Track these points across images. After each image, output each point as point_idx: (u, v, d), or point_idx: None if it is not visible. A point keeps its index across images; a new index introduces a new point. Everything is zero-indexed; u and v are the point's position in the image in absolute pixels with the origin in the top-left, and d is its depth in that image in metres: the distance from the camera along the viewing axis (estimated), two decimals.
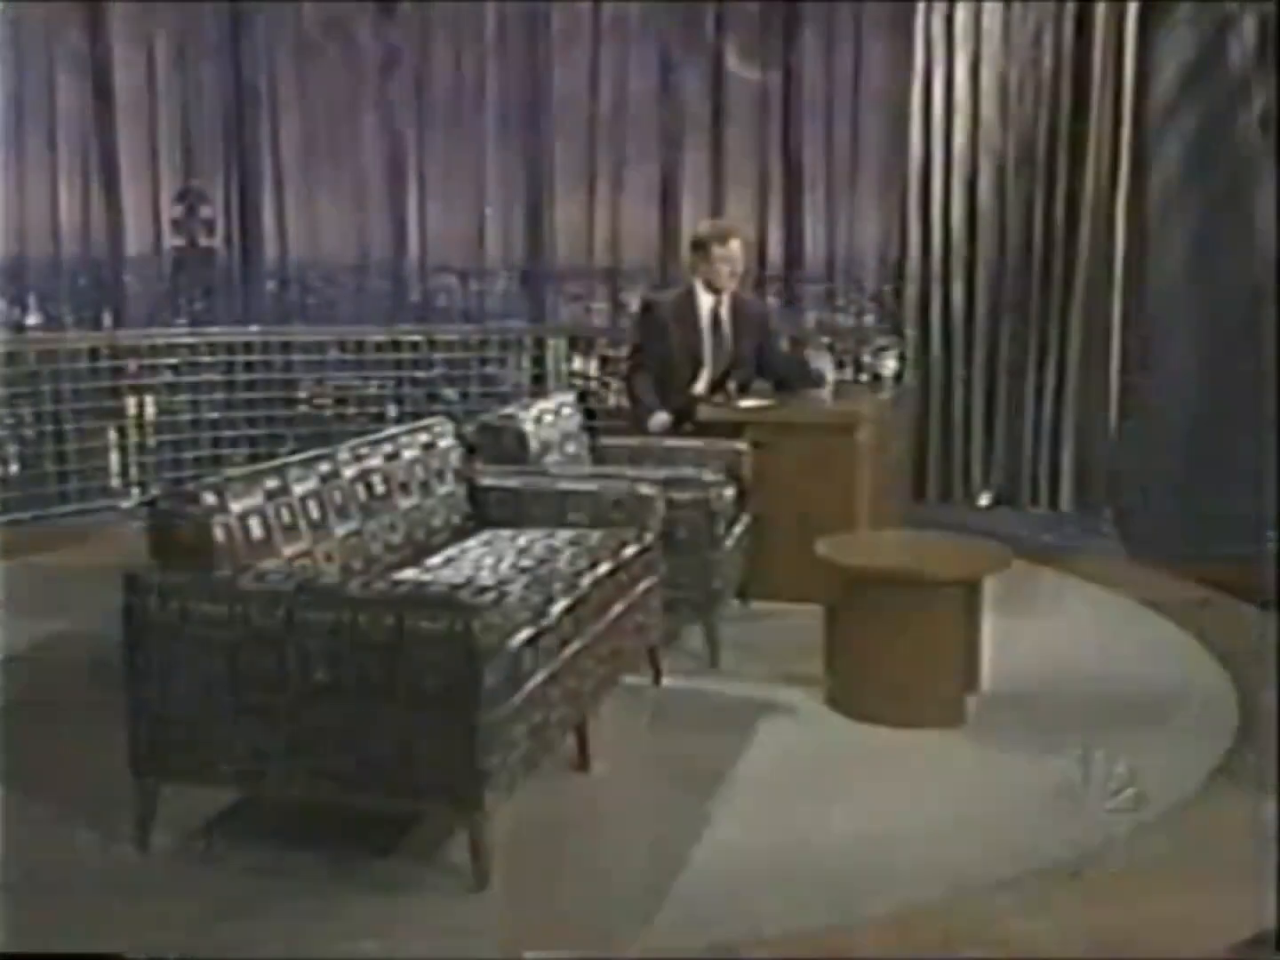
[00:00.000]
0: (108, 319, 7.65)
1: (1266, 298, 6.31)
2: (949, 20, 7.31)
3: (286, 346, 7.76)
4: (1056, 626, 5.32)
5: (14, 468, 6.98)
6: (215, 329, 7.69)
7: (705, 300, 5.76)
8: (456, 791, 2.99)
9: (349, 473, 3.78)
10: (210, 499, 3.18)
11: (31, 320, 7.43)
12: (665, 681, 4.46)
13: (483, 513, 4.37)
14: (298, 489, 3.50)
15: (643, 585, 4.11)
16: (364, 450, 3.95)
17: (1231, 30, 6.37)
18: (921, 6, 7.30)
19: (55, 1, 7.35)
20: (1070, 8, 7.08)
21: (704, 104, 8.08)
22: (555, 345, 8.11)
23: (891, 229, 7.83)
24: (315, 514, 3.54)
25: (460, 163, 8.21)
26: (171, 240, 7.84)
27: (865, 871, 3.21)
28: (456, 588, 3.12)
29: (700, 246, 5.84)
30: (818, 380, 5.85)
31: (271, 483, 3.43)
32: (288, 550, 3.38)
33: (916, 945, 2.89)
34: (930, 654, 4.17)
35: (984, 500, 7.65)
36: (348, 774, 3.05)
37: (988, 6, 7.22)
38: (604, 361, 8.21)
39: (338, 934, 2.87)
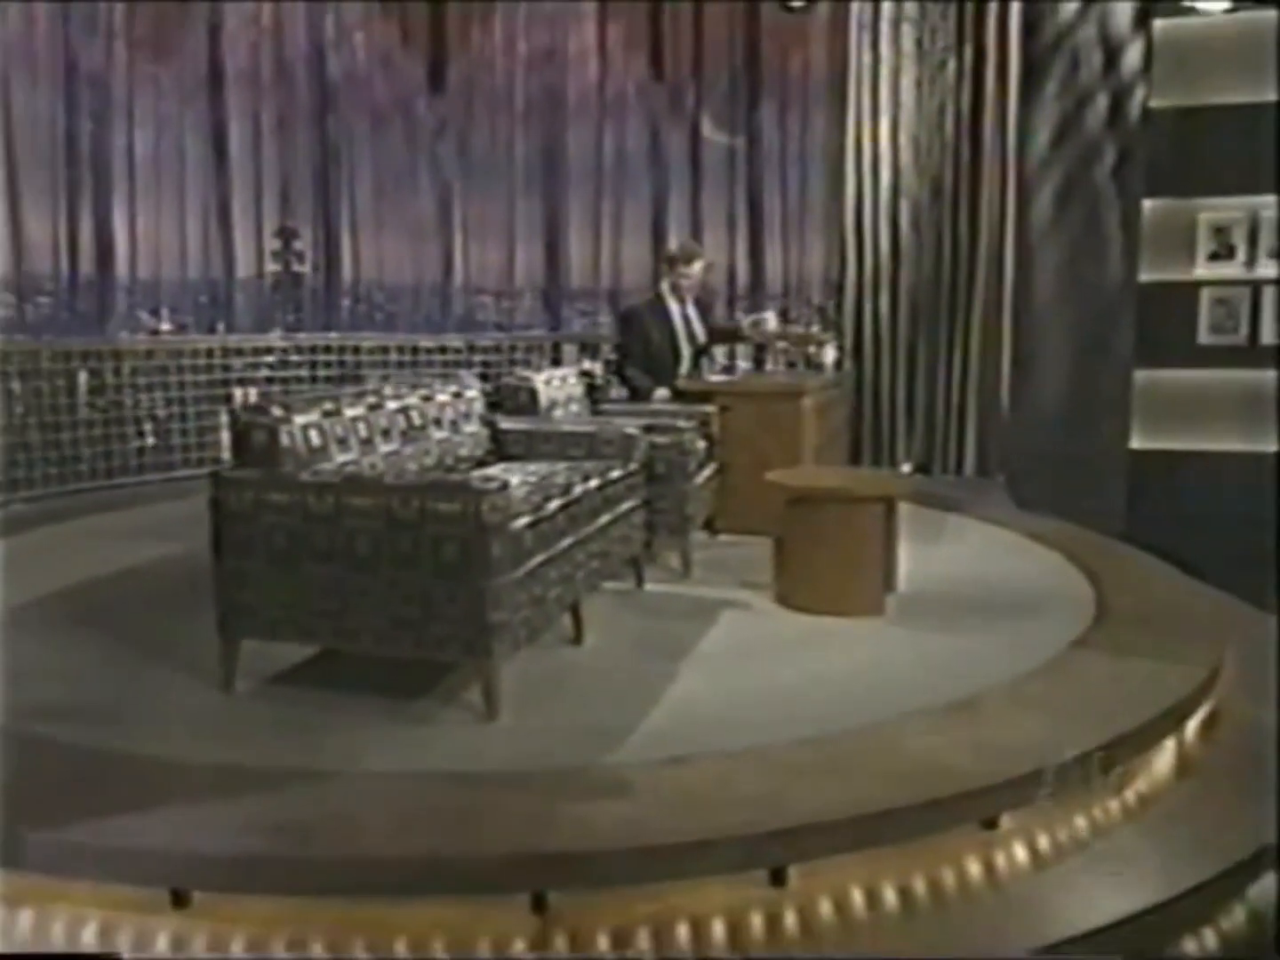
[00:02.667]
0: (221, 327, 7.63)
1: (1120, 307, 6.25)
2: (874, 94, 7.34)
3: (357, 350, 7.68)
4: (958, 551, 5.22)
5: (150, 440, 6.90)
6: (302, 335, 7.65)
7: (673, 303, 5.68)
8: (470, 642, 2.94)
9: (391, 405, 3.72)
10: (278, 412, 3.12)
11: (164, 326, 7.38)
12: (647, 587, 4.36)
13: (501, 449, 4.30)
14: (348, 412, 3.45)
15: (627, 504, 4.02)
16: (403, 391, 3.87)
17: (1088, 102, 6.36)
18: (853, 84, 7.29)
19: (186, 80, 7.31)
20: (966, 85, 7.11)
21: (685, 161, 8.20)
22: (568, 349, 8.03)
23: (832, 256, 7.85)
24: (363, 433, 3.48)
25: (494, 207, 8.23)
26: (271, 266, 7.80)
27: (795, 709, 3.14)
28: (470, 479, 3.04)
29: (672, 262, 5.78)
30: (735, 332, 6.06)
31: (328, 405, 3.37)
32: (340, 458, 3.32)
33: (830, 756, 2.80)
34: (855, 557, 4.08)
35: (905, 468, 7.57)
36: (384, 630, 3.00)
37: (904, 83, 7.21)
38: (607, 363, 8.15)
39: (379, 752, 2.81)
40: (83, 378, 6.48)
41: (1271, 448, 5.73)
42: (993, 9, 6.99)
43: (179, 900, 2.33)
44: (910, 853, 2.61)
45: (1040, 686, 3.35)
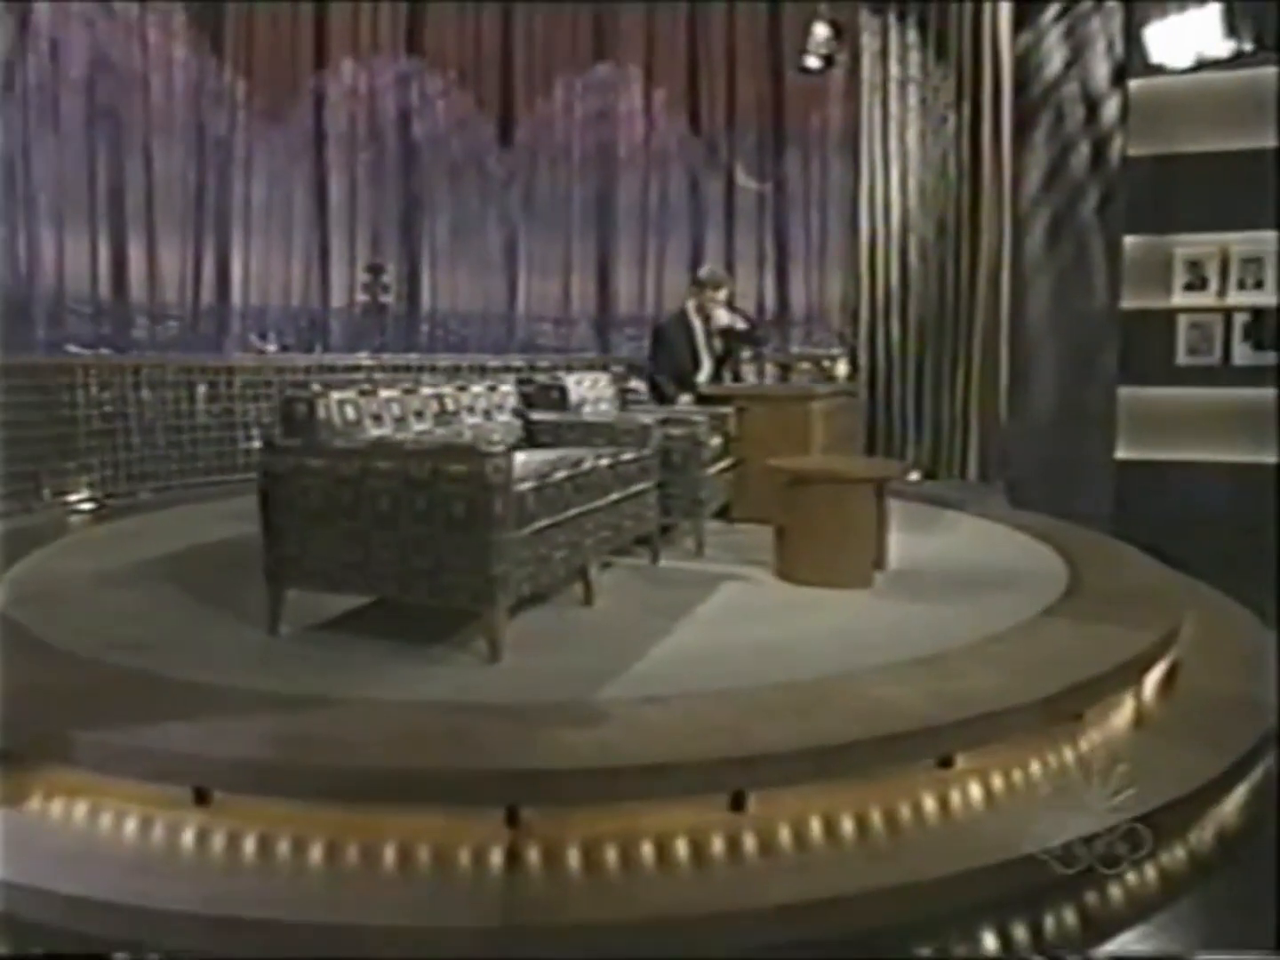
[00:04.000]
0: (318, 348, 7.69)
1: (1105, 331, 6.06)
2: (885, 145, 7.17)
3: (434, 368, 7.62)
4: (950, 540, 5.00)
5: (256, 442, 6.94)
6: (387, 355, 7.61)
7: (697, 320, 5.55)
8: (476, 591, 2.84)
9: (425, 391, 3.63)
10: (317, 388, 3.06)
11: (270, 347, 7.46)
12: (661, 563, 4.21)
13: (532, 438, 4.20)
14: (384, 394, 3.38)
15: (640, 485, 3.90)
16: (439, 380, 3.80)
17: (1073, 149, 6.18)
18: (865, 136, 7.14)
19: (295, 141, 7.43)
20: (965, 136, 6.97)
21: (720, 205, 8.12)
22: (617, 370, 7.94)
23: (849, 286, 7.63)
24: (397, 412, 3.40)
25: (554, 245, 8.20)
26: (361, 297, 7.85)
27: (774, 660, 2.98)
28: (477, 444, 2.95)
29: (701, 285, 5.65)
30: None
31: (364, 386, 3.31)
32: (374, 432, 3.25)
33: (797, 698, 2.64)
34: (846, 533, 3.89)
35: (914, 475, 7.33)
36: (402, 579, 2.92)
37: (910, 135, 7.05)
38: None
39: (389, 684, 2.73)
40: (201, 389, 6.54)
41: (1245, 458, 5.59)
42: (987, 71, 6.81)
43: (201, 799, 2.28)
44: (868, 787, 2.45)
45: (1003, 646, 3.15)
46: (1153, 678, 3.28)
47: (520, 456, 3.03)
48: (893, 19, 6.97)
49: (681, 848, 2.24)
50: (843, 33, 6.73)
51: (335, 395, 3.08)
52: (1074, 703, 2.82)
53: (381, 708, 2.53)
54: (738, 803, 2.29)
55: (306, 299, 7.61)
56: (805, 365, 6.84)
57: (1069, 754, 2.79)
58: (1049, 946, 2.14)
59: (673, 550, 4.41)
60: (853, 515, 3.91)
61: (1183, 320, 5.78)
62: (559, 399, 4.49)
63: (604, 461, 3.54)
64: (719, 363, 5.53)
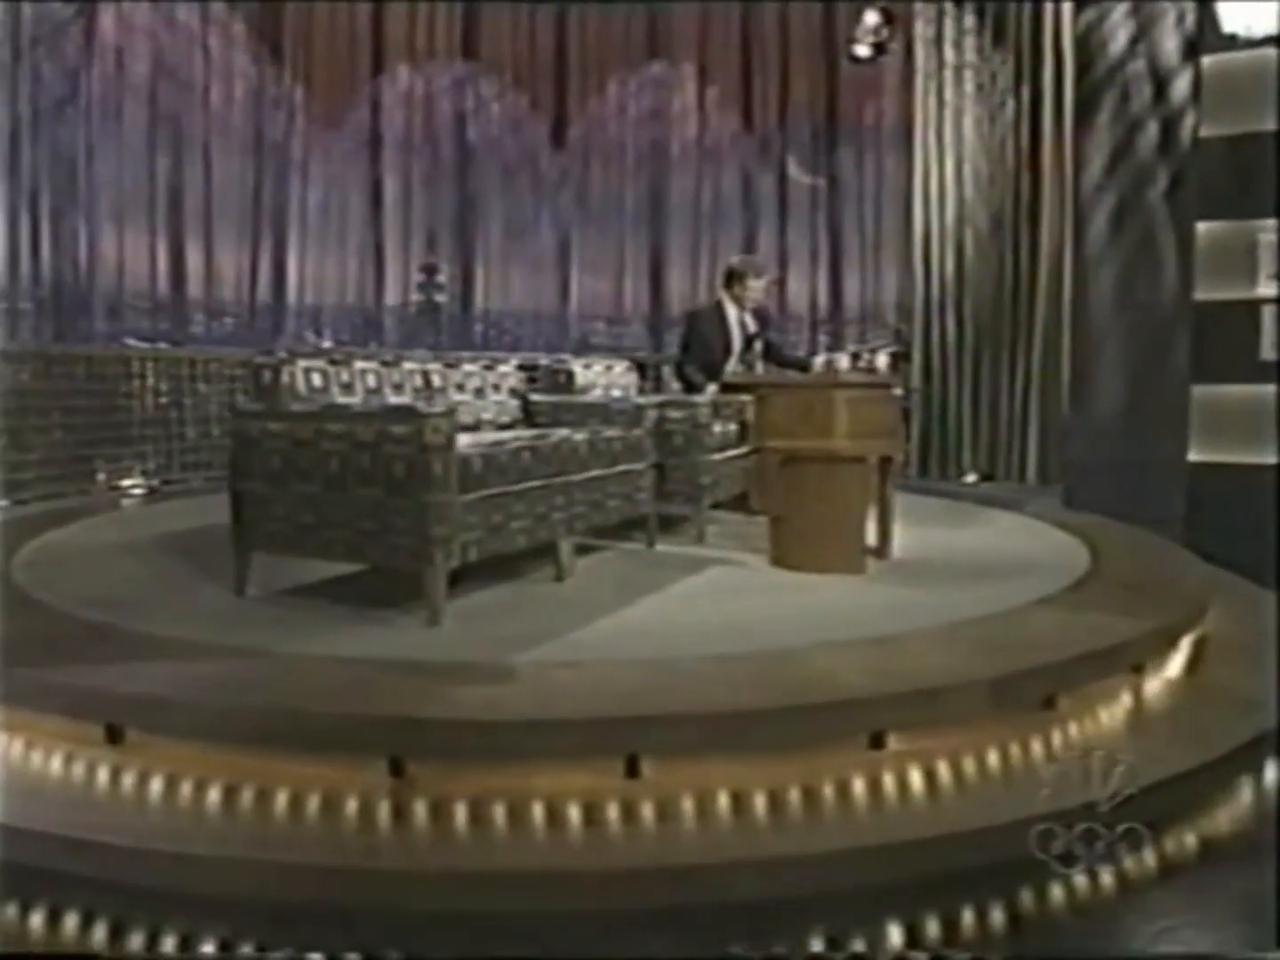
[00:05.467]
0: (372, 345, 7.84)
1: (1176, 324, 5.67)
2: (939, 134, 6.95)
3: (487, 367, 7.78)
4: (978, 533, 4.79)
5: None
6: (441, 354, 7.79)
7: (731, 310, 5.46)
8: (415, 551, 2.83)
9: (408, 366, 3.65)
10: (283, 355, 3.13)
11: (326, 344, 7.68)
12: (658, 548, 4.13)
13: (531, 418, 4.20)
14: (358, 364, 3.40)
15: (627, 465, 3.83)
16: (425, 356, 3.82)
17: (1139, 131, 5.84)
18: (919, 125, 6.94)
19: (350, 145, 7.68)
20: (1024, 122, 6.68)
21: (773, 201, 8.00)
22: (666, 369, 7.92)
23: (903, 281, 7.42)
24: (371, 383, 3.42)
25: (606, 245, 8.25)
26: (415, 296, 8.02)
27: (727, 635, 2.88)
28: (419, 406, 2.96)
29: (738, 276, 5.54)
30: (804, 366, 5.49)
31: (336, 356, 3.35)
32: (342, 400, 3.26)
33: (730, 669, 2.55)
34: (836, 515, 3.74)
35: (971, 478, 7.07)
36: (351, 541, 2.94)
37: (966, 123, 6.82)
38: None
39: (328, 643, 2.73)
40: None
41: None
42: (1048, 52, 6.54)
43: (113, 737, 2.34)
44: (788, 762, 2.34)
45: (977, 630, 2.96)
46: (1161, 673, 3.07)
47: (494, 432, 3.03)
48: (948, 4, 6.79)
49: (574, 811, 2.18)
50: (894, 20, 6.59)
51: (302, 363, 3.14)
52: (1033, 688, 2.64)
53: (303, 661, 2.55)
54: (632, 768, 2.22)
55: (361, 298, 7.83)
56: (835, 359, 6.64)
57: (1038, 744, 2.63)
58: (943, 944, 2.01)
59: (678, 537, 4.34)
60: (840, 495, 3.76)
61: (1268, 312, 5.35)
62: (565, 382, 4.49)
63: (579, 438, 3.50)
64: (746, 352, 5.44)
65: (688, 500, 4.37)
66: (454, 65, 7.78)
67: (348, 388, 3.31)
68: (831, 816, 2.26)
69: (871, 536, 4.02)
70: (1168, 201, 5.87)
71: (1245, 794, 2.64)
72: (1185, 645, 3.35)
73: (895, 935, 2.03)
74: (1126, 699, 2.93)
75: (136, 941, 1.97)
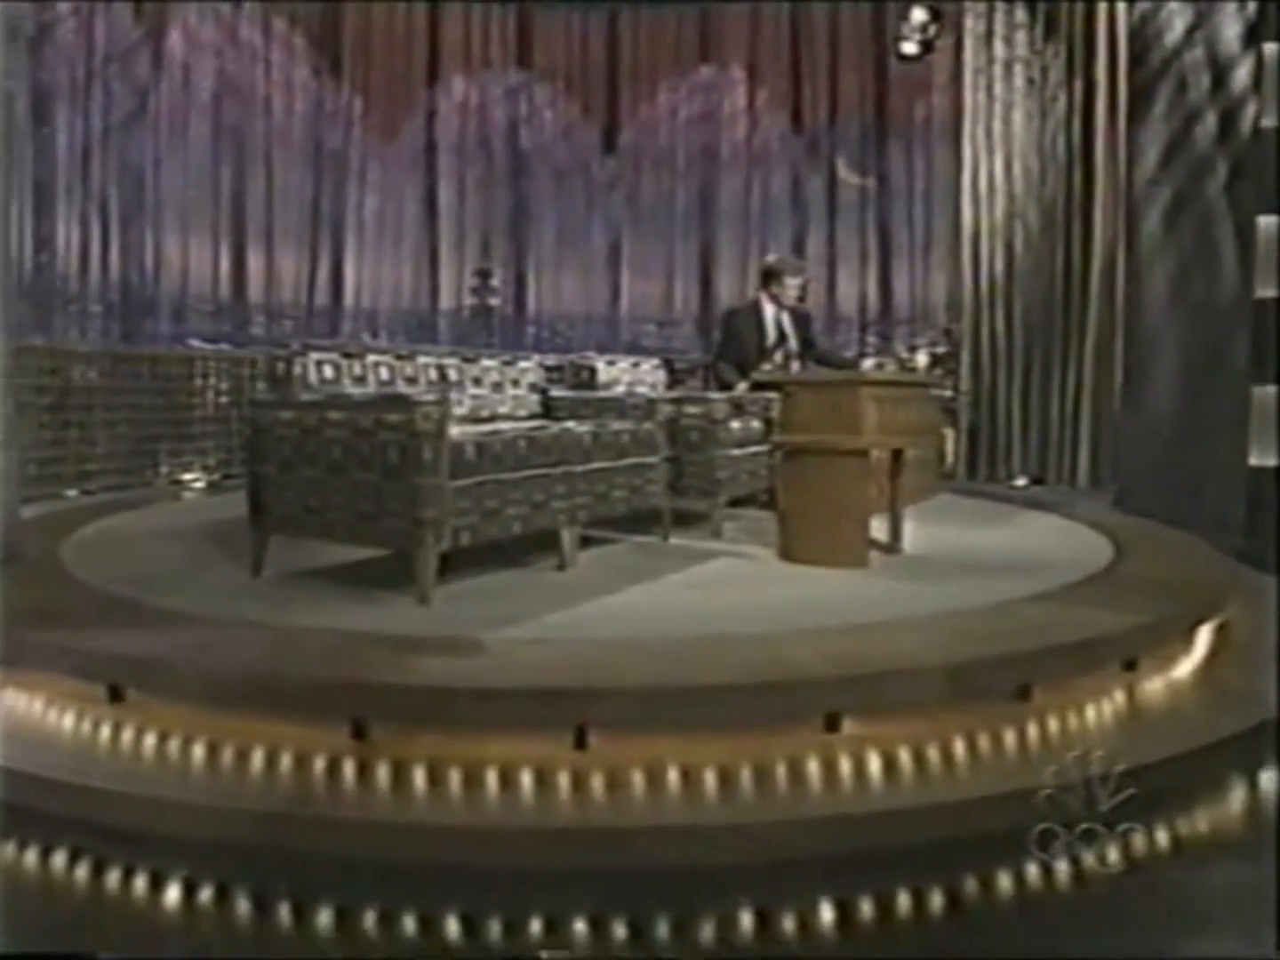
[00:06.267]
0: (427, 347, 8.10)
1: (1235, 323, 5.51)
2: (988, 130, 6.86)
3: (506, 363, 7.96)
4: (1005, 532, 4.73)
5: None
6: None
7: (769, 309, 5.51)
8: (406, 534, 2.97)
9: (423, 360, 3.79)
10: (296, 347, 3.31)
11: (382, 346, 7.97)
12: (673, 541, 4.21)
13: (550, 413, 4.31)
14: (371, 358, 3.56)
15: (636, 458, 3.90)
16: (442, 352, 3.97)
17: (1197, 122, 5.70)
18: (968, 121, 6.88)
19: (406, 153, 7.96)
20: (1077, 116, 6.55)
21: (822, 201, 8.00)
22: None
23: (953, 281, 7.34)
24: (384, 375, 3.57)
25: (657, 247, 8.35)
26: (469, 300, 8.25)
27: (708, 621, 2.93)
28: (413, 395, 3.09)
29: (776, 274, 5.59)
30: (845, 365, 5.50)
31: (350, 349, 3.51)
32: (354, 391, 3.43)
33: (695, 651, 2.61)
34: (837, 509, 3.77)
35: (1021, 480, 6.95)
36: (351, 524, 3.09)
37: (1016, 118, 6.73)
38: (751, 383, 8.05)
39: (320, 617, 2.88)
40: None
41: None
42: (1101, 44, 6.42)
43: (115, 696, 2.54)
44: (742, 741, 2.41)
45: (960, 621, 2.96)
46: (1164, 672, 3.03)
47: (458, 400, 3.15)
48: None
49: (526, 779, 2.29)
50: (942, 17, 6.56)
51: (314, 355, 3.32)
52: (1002, 677, 2.65)
53: (290, 632, 2.71)
54: (580, 740, 2.32)
55: (416, 301, 8.09)
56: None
57: (1011, 735, 2.64)
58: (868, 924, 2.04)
59: (696, 532, 4.40)
60: (841, 488, 3.79)
61: None
62: (588, 378, 4.60)
63: (583, 429, 3.61)
64: (784, 354, 5.48)
65: (703, 495, 4.44)
66: (507, 74, 8.01)
67: (360, 380, 3.47)
68: (781, 794, 2.32)
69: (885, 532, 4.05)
70: (1226, 195, 5.67)
71: (1235, 791, 2.61)
72: (1200, 645, 3.31)
73: (828, 911, 2.08)
74: (1118, 696, 2.91)
75: (114, 878, 2.16)
